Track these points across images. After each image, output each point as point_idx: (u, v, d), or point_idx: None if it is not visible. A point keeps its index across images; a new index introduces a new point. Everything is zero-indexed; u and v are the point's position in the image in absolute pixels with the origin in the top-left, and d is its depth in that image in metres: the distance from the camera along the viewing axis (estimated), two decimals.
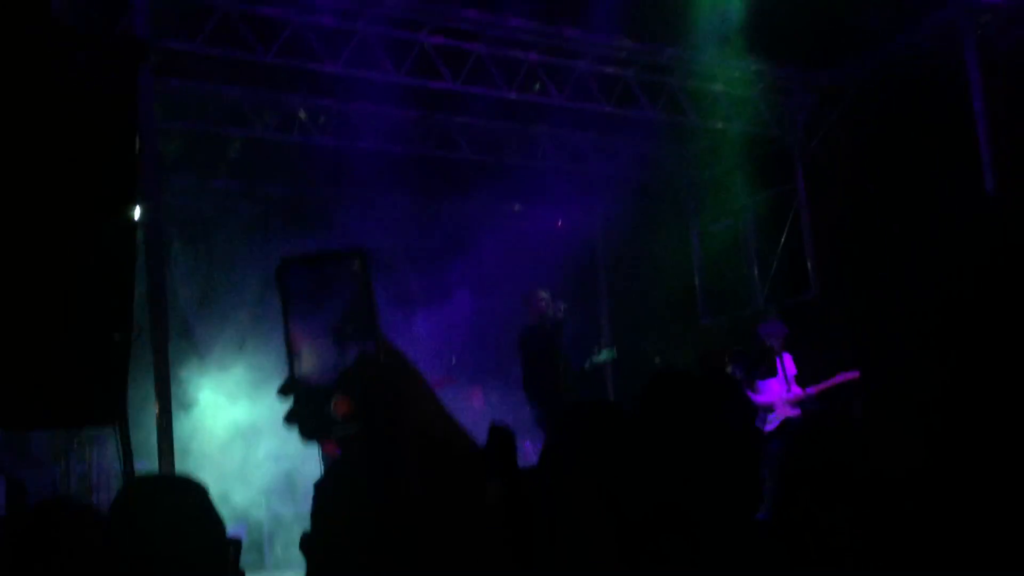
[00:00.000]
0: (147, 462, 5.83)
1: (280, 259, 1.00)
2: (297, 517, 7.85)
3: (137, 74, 5.15)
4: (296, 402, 1.01)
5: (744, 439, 2.04)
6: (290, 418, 1.00)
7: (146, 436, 5.89)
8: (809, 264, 9.32)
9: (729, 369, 6.79)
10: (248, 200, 9.69)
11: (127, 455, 4.62)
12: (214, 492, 2.14)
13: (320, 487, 1.96)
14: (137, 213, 5.48)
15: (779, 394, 7.49)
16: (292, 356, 1.00)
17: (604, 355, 7.80)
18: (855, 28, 7.94)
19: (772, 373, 7.44)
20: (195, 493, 2.05)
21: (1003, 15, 7.78)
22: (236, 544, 2.25)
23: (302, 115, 8.60)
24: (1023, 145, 7.51)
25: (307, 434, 1.01)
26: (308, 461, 7.30)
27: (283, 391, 1.00)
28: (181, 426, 6.70)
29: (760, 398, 7.48)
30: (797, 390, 7.47)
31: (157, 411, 5.42)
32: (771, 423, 7.42)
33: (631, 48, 8.40)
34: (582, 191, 10.60)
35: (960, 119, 7.88)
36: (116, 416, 4.56)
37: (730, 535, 1.81)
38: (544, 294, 7.61)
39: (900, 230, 7.91)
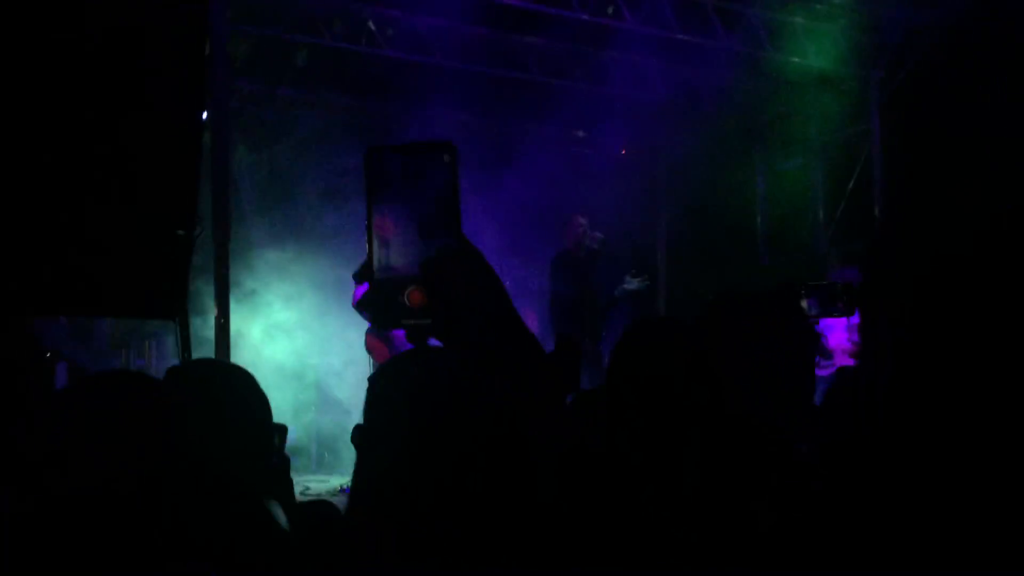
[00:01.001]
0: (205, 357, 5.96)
1: (368, 147, 0.99)
2: (346, 423, 8.00)
3: None
4: (371, 289, 1.00)
5: (798, 366, 2.00)
6: (364, 304, 1.00)
7: (205, 332, 6.01)
8: (877, 209, 9.08)
9: (804, 303, 6.65)
10: (312, 109, 9.68)
11: (186, 349, 4.71)
12: (268, 390, 2.16)
13: (374, 380, 1.97)
14: (204, 115, 5.50)
15: (840, 342, 7.38)
16: (372, 243, 0.98)
17: (636, 284, 7.68)
18: None
19: (849, 312, 7.27)
20: (242, 377, 2.08)
21: None
22: (282, 430, 2.28)
23: (371, 26, 8.50)
24: None
25: (379, 322, 1.01)
26: (359, 365, 7.38)
27: (360, 276, 1.00)
28: (238, 324, 6.82)
29: (826, 343, 7.37)
30: (859, 340, 7.34)
31: (216, 308, 5.51)
32: (825, 368, 7.31)
33: None
34: (648, 120, 10.40)
35: None
36: (176, 310, 4.65)
37: (779, 457, 1.78)
38: (583, 220, 7.53)
39: (976, 184, 7.63)
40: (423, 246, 1.02)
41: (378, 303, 1.03)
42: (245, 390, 2.11)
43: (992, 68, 7.64)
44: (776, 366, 1.98)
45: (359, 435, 1.98)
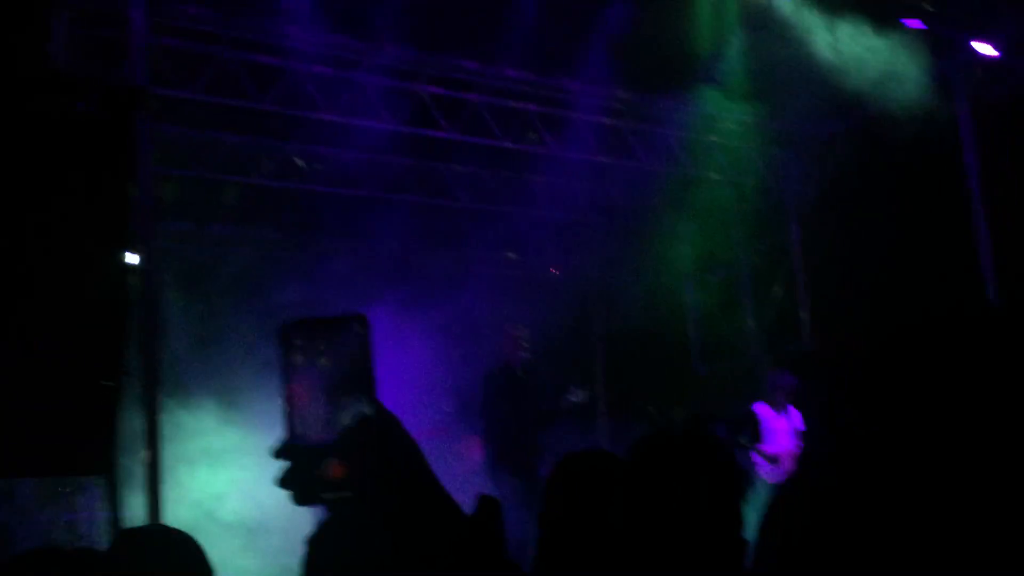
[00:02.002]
0: (135, 511, 5.76)
1: (281, 323, 1.00)
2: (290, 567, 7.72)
3: (134, 122, 5.18)
4: (290, 465, 0.99)
5: (724, 504, 2.02)
6: (284, 482, 0.99)
7: (135, 484, 5.82)
8: (803, 315, 9.32)
9: (712, 429, 6.82)
10: (243, 246, 9.70)
11: (114, 504, 4.56)
12: (207, 537, 2.12)
13: (313, 542, 1.92)
14: (131, 259, 5.48)
15: (786, 447, 7.47)
16: (289, 417, 0.98)
17: (580, 395, 7.59)
18: (849, 81, 8.03)
19: (757, 439, 7.47)
20: (188, 546, 2.03)
21: (995, 70, 7.87)
22: None
23: (299, 162, 8.64)
24: (1014, 197, 7.56)
25: (300, 499, 0.99)
26: (291, 515, 7.18)
27: (278, 454, 0.98)
28: (170, 475, 6.62)
29: (768, 448, 7.44)
30: (802, 445, 7.43)
31: (146, 459, 5.37)
32: (774, 476, 7.36)
33: (626, 99, 8.48)
34: (576, 240, 10.62)
35: (953, 172, 7.94)
36: (104, 465, 4.51)
37: None
38: (519, 332, 7.40)
39: (893, 281, 7.93)
40: (337, 417, 1.03)
41: (297, 480, 1.03)
42: (192, 560, 2.07)
43: (898, 172, 8.03)
44: (700, 504, 2.00)
45: None
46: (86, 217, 4.96)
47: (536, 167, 9.14)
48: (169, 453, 6.27)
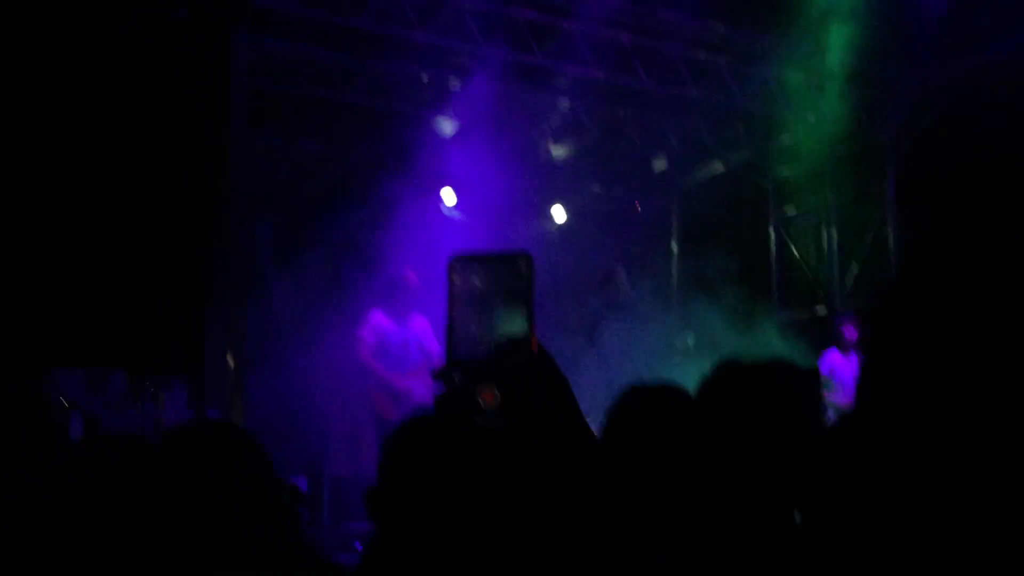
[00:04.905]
0: (219, 411, 5.98)
1: (452, 254, 1.05)
2: (355, 476, 7.98)
3: (232, 33, 5.24)
4: (447, 386, 1.05)
5: (809, 435, 1.99)
6: (439, 401, 1.04)
7: (220, 385, 6.03)
8: (893, 268, 9.06)
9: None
10: (331, 164, 9.82)
11: (198, 404, 4.75)
12: (281, 440, 2.18)
13: (389, 445, 1.97)
14: (223, 169, 5.60)
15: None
16: (450, 342, 1.04)
17: (689, 340, 7.73)
18: (961, 26, 7.66)
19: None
20: (237, 437, 2.06)
21: None
22: (295, 491, 2.27)
23: (390, 82, 8.64)
24: None
25: (451, 419, 1.06)
26: (369, 422, 7.39)
27: (437, 375, 1.04)
28: (255, 379, 6.84)
29: (838, 398, 7.35)
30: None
31: (231, 363, 5.54)
32: None
33: (725, 34, 8.23)
34: (663, 175, 10.47)
35: None
36: (190, 365, 4.69)
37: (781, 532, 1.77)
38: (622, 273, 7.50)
39: (992, 243, 7.62)
40: (496, 347, 1.08)
41: (451, 402, 1.09)
42: (243, 450, 2.09)
43: (1001, 129, 7.67)
44: (784, 437, 1.96)
45: (374, 499, 1.97)
46: (182, 124, 5.07)
47: (627, 99, 8.98)
48: (252, 358, 6.47)
